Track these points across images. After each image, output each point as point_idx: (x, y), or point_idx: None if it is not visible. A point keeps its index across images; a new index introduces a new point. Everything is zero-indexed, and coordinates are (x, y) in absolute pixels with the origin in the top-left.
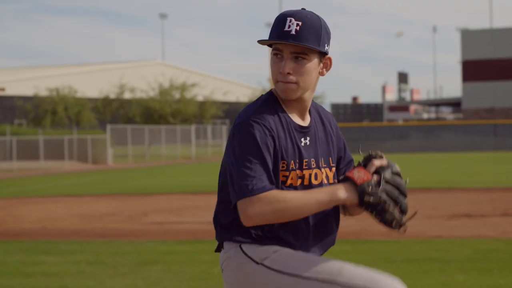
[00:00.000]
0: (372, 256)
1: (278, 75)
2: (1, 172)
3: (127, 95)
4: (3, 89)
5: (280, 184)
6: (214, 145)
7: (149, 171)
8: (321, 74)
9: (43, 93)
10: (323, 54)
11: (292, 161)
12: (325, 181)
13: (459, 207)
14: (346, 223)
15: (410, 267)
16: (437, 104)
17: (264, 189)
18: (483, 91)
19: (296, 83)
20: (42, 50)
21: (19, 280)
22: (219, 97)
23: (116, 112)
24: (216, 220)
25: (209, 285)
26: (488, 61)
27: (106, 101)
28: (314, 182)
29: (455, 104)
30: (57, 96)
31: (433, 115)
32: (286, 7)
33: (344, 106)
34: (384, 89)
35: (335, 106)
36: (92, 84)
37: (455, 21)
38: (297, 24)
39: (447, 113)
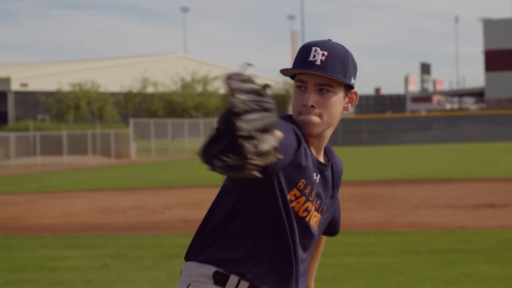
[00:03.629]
0: (396, 247)
1: (301, 108)
2: (25, 167)
3: (149, 89)
4: (26, 85)
5: (285, 200)
6: None
7: (172, 165)
8: (346, 109)
9: (66, 88)
10: (349, 88)
11: (310, 187)
12: (315, 227)
13: (483, 197)
14: (369, 214)
15: (434, 258)
16: (460, 94)
17: None
18: (506, 80)
19: (320, 117)
20: (64, 46)
21: (42, 275)
22: None
23: (138, 106)
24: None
25: None
26: (511, 51)
27: (128, 96)
28: (310, 221)
29: (478, 94)
30: (80, 91)
31: (456, 106)
32: (308, 2)
33: (367, 97)
34: (406, 80)
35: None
36: (114, 79)
37: (477, 11)
38: (323, 54)
39: (470, 104)
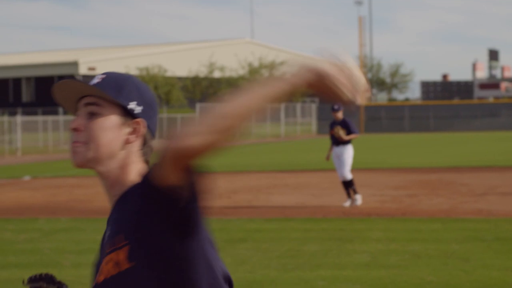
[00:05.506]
0: (462, 234)
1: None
2: None
3: (216, 74)
4: (93, 69)
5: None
6: (304, 123)
7: (239, 150)
8: (128, 141)
9: (133, 72)
10: (130, 116)
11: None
12: (111, 271)
13: None
14: (436, 201)
15: (501, 245)
16: None
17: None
18: None
19: (86, 144)
20: (131, 30)
21: None
22: None
23: (205, 91)
24: None
25: (298, 263)
26: None
27: (195, 80)
28: (98, 279)
29: None
30: (147, 75)
31: None
32: None
33: (434, 83)
34: (474, 67)
35: (424, 84)
36: (181, 63)
37: None
38: (99, 78)
39: None
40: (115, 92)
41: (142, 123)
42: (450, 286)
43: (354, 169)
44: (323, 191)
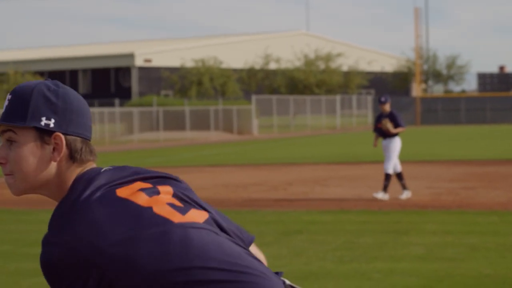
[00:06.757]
0: None
1: None
2: (148, 142)
3: (272, 66)
4: (149, 61)
5: None
6: (359, 115)
7: (294, 141)
8: (54, 159)
9: (189, 64)
10: (47, 133)
11: None
12: None
13: None
14: (493, 193)
15: None
16: None
17: None
18: None
19: (12, 174)
20: (187, 22)
21: None
22: (364, 67)
23: (261, 83)
24: None
25: (354, 255)
26: None
27: (251, 72)
28: None
29: None
30: (203, 67)
31: None
32: None
33: (491, 75)
34: None
35: (481, 76)
36: (237, 55)
37: None
38: (7, 101)
39: None
40: (21, 116)
41: (59, 137)
42: (508, 280)
43: (409, 162)
44: (379, 183)
